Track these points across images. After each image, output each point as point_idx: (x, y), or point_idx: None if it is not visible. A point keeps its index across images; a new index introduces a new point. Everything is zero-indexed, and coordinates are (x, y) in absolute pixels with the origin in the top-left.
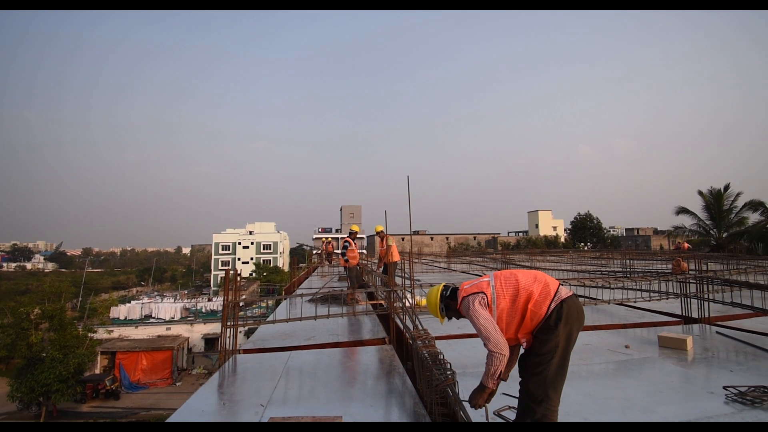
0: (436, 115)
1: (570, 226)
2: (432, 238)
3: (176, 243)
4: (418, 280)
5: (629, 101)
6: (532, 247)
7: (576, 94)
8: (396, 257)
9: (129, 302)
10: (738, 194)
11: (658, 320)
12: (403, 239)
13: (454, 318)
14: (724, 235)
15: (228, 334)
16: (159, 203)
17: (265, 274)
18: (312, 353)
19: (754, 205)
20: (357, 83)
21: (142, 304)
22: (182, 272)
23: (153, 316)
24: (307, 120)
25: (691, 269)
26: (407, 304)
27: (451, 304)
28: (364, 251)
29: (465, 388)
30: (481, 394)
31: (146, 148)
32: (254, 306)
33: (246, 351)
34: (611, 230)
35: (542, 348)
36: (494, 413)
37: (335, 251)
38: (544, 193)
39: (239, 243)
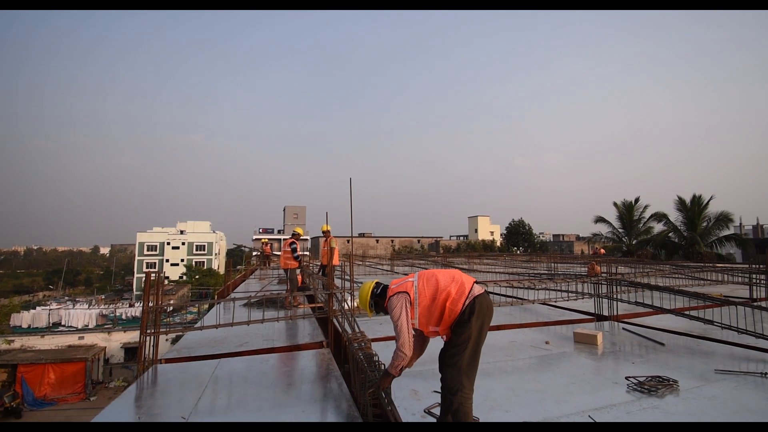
0: (385, 120)
1: (505, 232)
2: (377, 241)
3: (93, 242)
4: (361, 283)
5: (559, 118)
6: (470, 250)
7: (513, 108)
8: (336, 260)
9: (34, 308)
10: (646, 206)
11: (576, 318)
12: (348, 241)
13: (382, 313)
14: (634, 242)
15: (148, 343)
16: (72, 197)
17: (197, 276)
18: (244, 360)
19: (658, 217)
20: (305, 80)
21: (50, 310)
22: (99, 275)
23: (63, 323)
24: (250, 115)
25: (603, 272)
26: (346, 306)
27: (380, 301)
28: (308, 253)
29: (399, 388)
30: (386, 379)
31: (58, 134)
32: (184, 312)
33: (169, 360)
34: (541, 236)
35: (457, 339)
36: (425, 411)
37: (274, 253)
38: (484, 199)
39: (168, 243)
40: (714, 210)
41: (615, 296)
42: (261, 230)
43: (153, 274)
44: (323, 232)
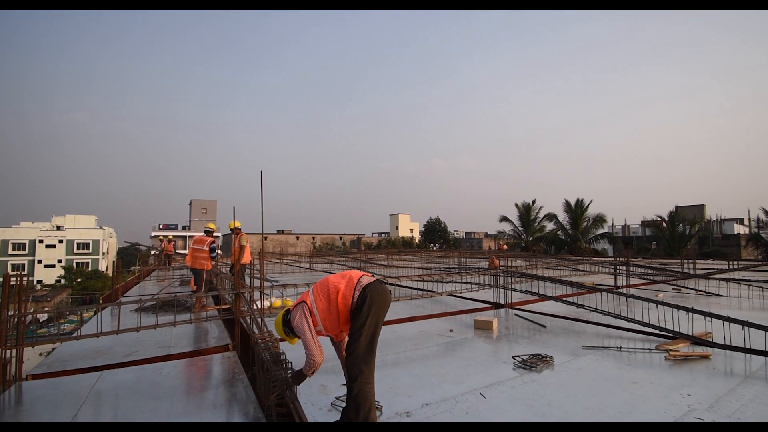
0: (308, 115)
1: (423, 229)
2: (298, 238)
3: None
4: (276, 281)
5: (472, 124)
6: (390, 247)
7: (433, 111)
8: (247, 258)
9: None
10: (540, 208)
11: (478, 307)
12: (266, 238)
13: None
14: (531, 238)
15: (9, 356)
16: None
17: (79, 280)
18: (133, 370)
19: (550, 217)
20: (215, 62)
21: None
22: None
23: None
24: (146, 94)
25: (501, 266)
26: (257, 306)
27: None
28: (220, 251)
29: (309, 384)
30: (300, 378)
31: None
32: (62, 321)
33: (37, 376)
34: (455, 233)
35: (353, 329)
36: (335, 399)
37: (177, 252)
38: (405, 198)
39: (41, 241)
40: (592, 212)
41: (510, 286)
42: (161, 226)
43: (14, 278)
44: (231, 229)
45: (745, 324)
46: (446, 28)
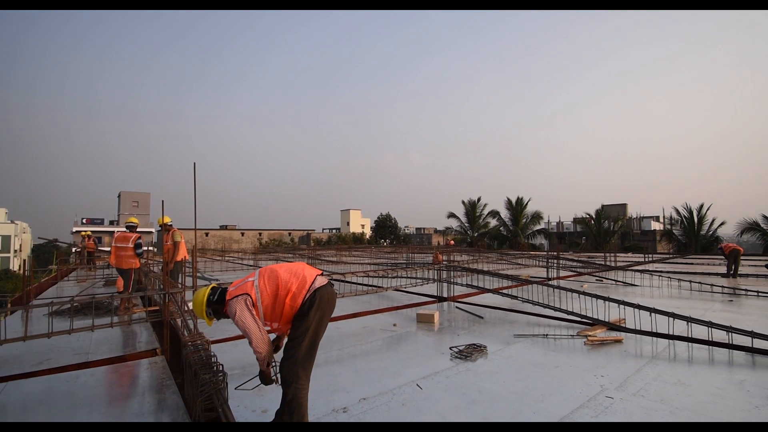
0: (259, 107)
1: (374, 225)
2: (243, 234)
3: None
4: (216, 279)
5: (423, 122)
6: (341, 243)
7: (385, 107)
8: (182, 254)
9: None
10: (485, 205)
11: (422, 301)
12: (207, 234)
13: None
14: (476, 234)
15: None
16: None
17: None
18: (43, 381)
19: (493, 214)
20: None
21: None
22: None
23: None
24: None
25: (444, 260)
26: (187, 307)
27: (219, 308)
28: (153, 248)
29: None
30: (264, 375)
31: None
32: None
33: None
34: (405, 229)
35: (295, 332)
36: (236, 388)
37: (101, 248)
38: (357, 193)
39: None
40: (531, 209)
41: (452, 280)
42: (84, 220)
43: None
44: (161, 225)
45: (652, 310)
46: (401, 30)
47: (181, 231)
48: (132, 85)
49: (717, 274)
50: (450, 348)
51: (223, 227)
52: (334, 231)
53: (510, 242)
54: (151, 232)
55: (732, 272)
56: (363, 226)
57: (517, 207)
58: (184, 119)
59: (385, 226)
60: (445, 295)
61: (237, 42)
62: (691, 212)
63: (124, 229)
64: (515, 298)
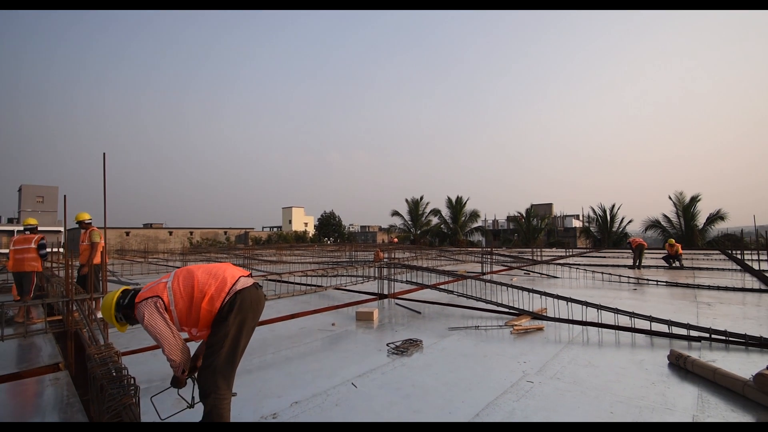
0: (195, 96)
1: (317, 223)
2: (171, 233)
3: None
4: (136, 284)
5: (368, 121)
6: (282, 242)
7: (331, 105)
8: (99, 258)
9: None
10: (427, 203)
11: (363, 299)
12: (128, 233)
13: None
14: (419, 232)
15: None
16: None
17: None
18: None
19: (435, 212)
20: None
21: None
22: None
23: None
24: None
25: (385, 258)
26: (96, 315)
27: (130, 312)
28: (61, 250)
29: (161, 399)
30: (176, 380)
31: None
32: None
33: None
34: (350, 227)
35: (213, 339)
36: (151, 399)
37: None
38: (300, 190)
39: None
40: (470, 208)
41: (392, 277)
42: None
43: None
44: (78, 222)
45: (568, 300)
46: (350, 30)
47: (100, 230)
48: (36, 64)
49: (625, 266)
50: (387, 344)
51: (148, 226)
52: (274, 229)
53: (450, 239)
54: (59, 232)
55: (637, 264)
56: (306, 224)
57: (456, 206)
58: (103, 104)
59: (328, 225)
60: (385, 292)
61: (165, 25)
62: (605, 211)
63: (23, 232)
64: (451, 292)
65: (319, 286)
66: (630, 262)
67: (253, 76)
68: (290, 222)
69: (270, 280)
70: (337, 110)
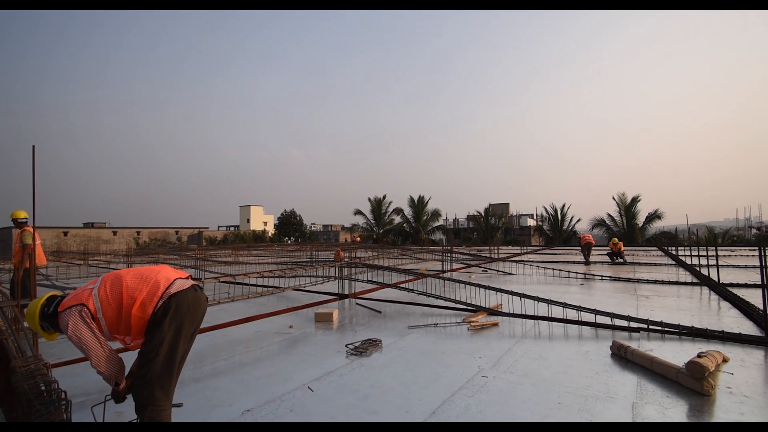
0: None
1: (277, 222)
2: (115, 233)
3: None
4: (74, 287)
5: (331, 119)
6: (239, 242)
7: (291, 100)
8: (40, 260)
9: None
10: (390, 202)
11: (323, 299)
12: (66, 233)
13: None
14: (381, 231)
15: None
16: None
17: None
18: None
19: (397, 211)
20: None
21: None
22: None
23: None
24: None
25: (346, 257)
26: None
27: (56, 321)
28: None
29: (99, 412)
30: (115, 394)
31: None
32: None
33: None
34: (312, 226)
35: (146, 347)
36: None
37: None
38: (259, 188)
39: None
40: (431, 207)
41: (353, 277)
42: None
43: None
44: (13, 220)
45: (521, 296)
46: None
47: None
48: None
49: (575, 262)
50: (346, 345)
51: (89, 225)
52: (231, 229)
53: (412, 238)
54: None
55: (587, 260)
56: (265, 223)
57: (419, 205)
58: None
59: (289, 224)
60: (346, 292)
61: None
62: (556, 211)
63: None
64: (412, 291)
65: (276, 287)
66: (579, 258)
67: (209, 69)
68: (248, 221)
69: (223, 282)
70: (299, 107)
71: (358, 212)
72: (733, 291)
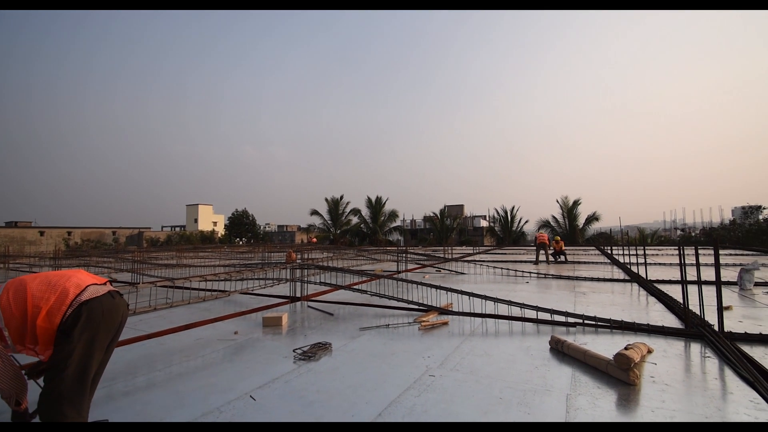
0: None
1: (228, 222)
2: (42, 233)
3: None
4: None
5: (288, 116)
6: (184, 243)
7: (246, 96)
8: None
9: None
10: (347, 203)
11: (273, 303)
12: None
13: None
14: (338, 232)
15: None
16: None
17: None
18: None
19: (355, 212)
20: None
21: None
22: None
23: None
24: None
25: (298, 259)
26: None
27: None
28: None
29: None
30: (15, 416)
31: None
32: None
33: None
34: (266, 227)
35: (53, 360)
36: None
37: None
38: (209, 186)
39: None
40: (389, 208)
41: (306, 279)
42: None
43: None
44: None
45: (470, 294)
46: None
47: None
48: None
49: (523, 261)
50: (294, 350)
51: (11, 224)
52: (177, 229)
53: (370, 239)
54: None
55: (536, 259)
56: (215, 223)
57: (376, 206)
58: None
59: (240, 224)
60: (298, 294)
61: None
62: (506, 213)
63: None
64: (365, 292)
65: (222, 291)
66: (527, 257)
67: (155, 58)
68: (196, 221)
69: (161, 286)
70: (255, 103)
71: (315, 212)
72: (659, 287)
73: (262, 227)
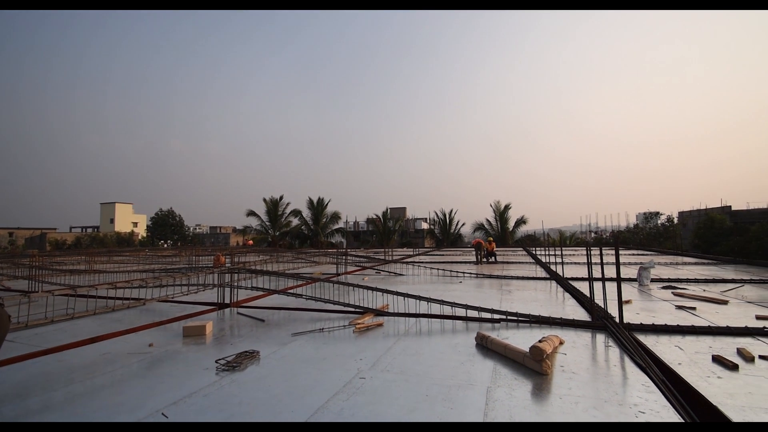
0: None
1: (150, 223)
2: None
3: None
4: None
5: (220, 108)
6: (97, 245)
7: (172, 83)
8: None
9: None
10: (287, 204)
11: (198, 310)
12: None
13: None
14: (277, 233)
15: None
16: None
17: None
18: None
19: (296, 213)
20: None
21: None
22: None
23: None
24: None
25: (228, 263)
26: None
27: None
28: None
29: None
30: None
31: None
32: None
33: None
34: (197, 228)
35: None
36: None
37: None
38: (129, 183)
39: None
40: (331, 209)
41: (235, 284)
42: None
43: None
44: None
45: (405, 295)
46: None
47: None
48: None
49: (459, 262)
50: (216, 361)
51: None
52: (89, 230)
53: (311, 241)
54: None
55: (478, 259)
56: (136, 224)
57: (318, 207)
58: None
59: (166, 225)
60: (227, 301)
61: None
62: (445, 216)
63: None
64: (300, 296)
65: (136, 299)
66: (464, 258)
67: (72, 41)
68: (112, 221)
69: (61, 295)
70: (181, 89)
71: (252, 213)
72: (573, 284)
73: (191, 228)
